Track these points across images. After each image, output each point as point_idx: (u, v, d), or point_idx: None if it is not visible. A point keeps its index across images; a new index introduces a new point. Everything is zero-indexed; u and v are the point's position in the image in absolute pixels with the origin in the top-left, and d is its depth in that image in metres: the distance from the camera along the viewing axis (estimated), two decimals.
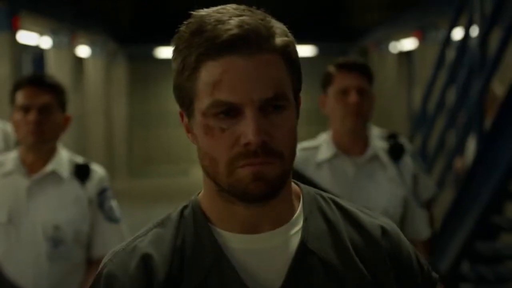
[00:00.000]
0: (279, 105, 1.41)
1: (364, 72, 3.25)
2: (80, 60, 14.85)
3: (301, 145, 3.30)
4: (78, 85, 14.15)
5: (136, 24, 19.18)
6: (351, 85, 3.20)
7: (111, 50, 17.49)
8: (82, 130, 14.75)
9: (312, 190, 1.54)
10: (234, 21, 1.40)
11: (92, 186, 3.20)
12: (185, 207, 1.51)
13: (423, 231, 3.40)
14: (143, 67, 20.16)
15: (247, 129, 1.38)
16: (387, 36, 15.01)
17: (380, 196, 3.27)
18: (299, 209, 1.49)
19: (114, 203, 3.26)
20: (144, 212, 13.71)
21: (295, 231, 1.47)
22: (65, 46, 12.88)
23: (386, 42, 15.40)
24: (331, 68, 3.25)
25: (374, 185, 3.29)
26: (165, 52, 18.84)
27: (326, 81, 3.25)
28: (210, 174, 1.44)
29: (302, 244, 1.46)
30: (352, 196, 3.21)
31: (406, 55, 14.97)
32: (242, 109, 1.39)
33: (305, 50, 18.12)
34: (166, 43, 18.21)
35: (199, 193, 1.52)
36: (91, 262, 3.22)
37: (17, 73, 9.48)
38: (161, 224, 1.50)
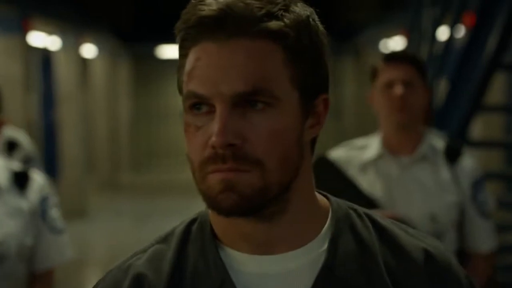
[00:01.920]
0: (261, 102, 1.17)
1: (412, 63, 2.94)
2: (85, 60, 15.14)
3: (349, 145, 3.08)
4: (83, 83, 14.46)
5: (139, 23, 19.14)
6: (396, 78, 2.91)
7: (115, 50, 17.68)
8: (88, 127, 15.05)
9: (344, 204, 1.30)
10: (211, 1, 1.18)
11: (32, 195, 2.80)
12: (193, 220, 1.29)
13: (483, 243, 3.05)
14: (146, 65, 20.42)
15: (214, 129, 1.16)
16: (378, 35, 15.22)
17: (425, 201, 2.97)
18: (326, 227, 1.26)
19: (56, 212, 2.87)
20: (147, 204, 14.19)
21: (318, 252, 1.24)
22: (72, 47, 13.14)
23: (377, 41, 15.59)
24: (378, 62, 2.98)
25: (419, 188, 2.99)
26: (167, 50, 19.06)
27: (373, 75, 2.98)
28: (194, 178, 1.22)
29: (325, 269, 1.23)
30: (394, 200, 2.97)
31: None
32: (214, 103, 1.17)
33: None
34: (168, 41, 18.72)
35: None
36: (33, 277, 2.84)
37: (28, 74, 9.94)
38: (164, 239, 1.29)
